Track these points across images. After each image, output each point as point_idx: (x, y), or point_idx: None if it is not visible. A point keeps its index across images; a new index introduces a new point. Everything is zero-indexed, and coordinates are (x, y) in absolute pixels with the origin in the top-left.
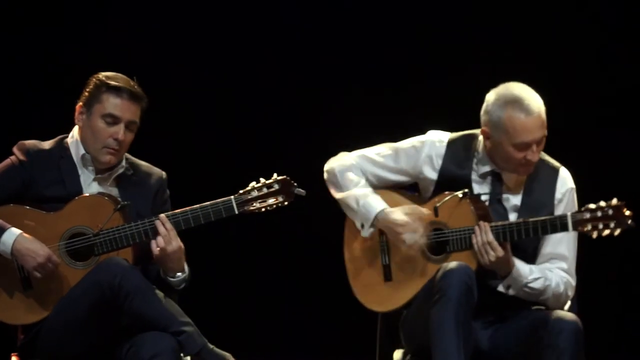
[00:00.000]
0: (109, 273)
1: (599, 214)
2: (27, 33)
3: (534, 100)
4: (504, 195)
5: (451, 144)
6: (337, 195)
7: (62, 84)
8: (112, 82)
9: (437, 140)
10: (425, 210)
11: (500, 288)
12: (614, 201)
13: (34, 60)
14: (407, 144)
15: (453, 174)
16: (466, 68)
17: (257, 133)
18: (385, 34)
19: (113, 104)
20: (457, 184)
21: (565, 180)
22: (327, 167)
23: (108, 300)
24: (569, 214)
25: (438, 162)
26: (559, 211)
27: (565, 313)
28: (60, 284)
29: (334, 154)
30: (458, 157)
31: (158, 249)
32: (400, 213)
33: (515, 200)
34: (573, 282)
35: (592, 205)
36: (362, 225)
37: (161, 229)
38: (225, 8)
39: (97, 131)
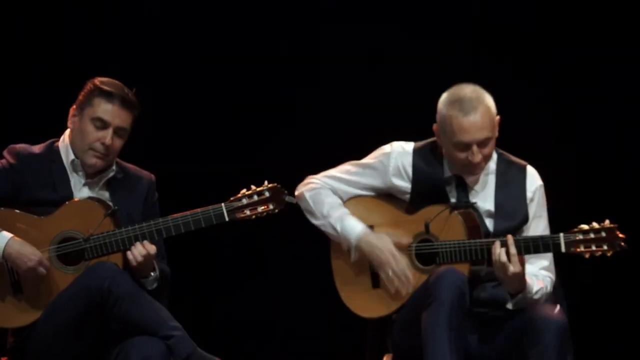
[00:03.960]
0: (98, 277)
1: (592, 235)
2: (24, 32)
3: (477, 101)
4: (474, 200)
5: (417, 152)
6: (314, 222)
7: (56, 86)
8: (106, 87)
9: (402, 150)
10: (403, 239)
11: (509, 305)
12: (607, 223)
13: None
14: (372, 159)
15: (426, 181)
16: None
17: (248, 139)
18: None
19: (104, 108)
20: (432, 190)
21: (534, 178)
22: (297, 193)
23: (97, 305)
24: (561, 234)
25: (408, 172)
26: (531, 210)
27: (551, 313)
28: (50, 288)
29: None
30: (427, 163)
31: (135, 262)
32: (382, 239)
33: (487, 205)
34: (554, 277)
35: (584, 226)
36: (349, 249)
37: (140, 249)
38: (221, 22)
39: (85, 133)
